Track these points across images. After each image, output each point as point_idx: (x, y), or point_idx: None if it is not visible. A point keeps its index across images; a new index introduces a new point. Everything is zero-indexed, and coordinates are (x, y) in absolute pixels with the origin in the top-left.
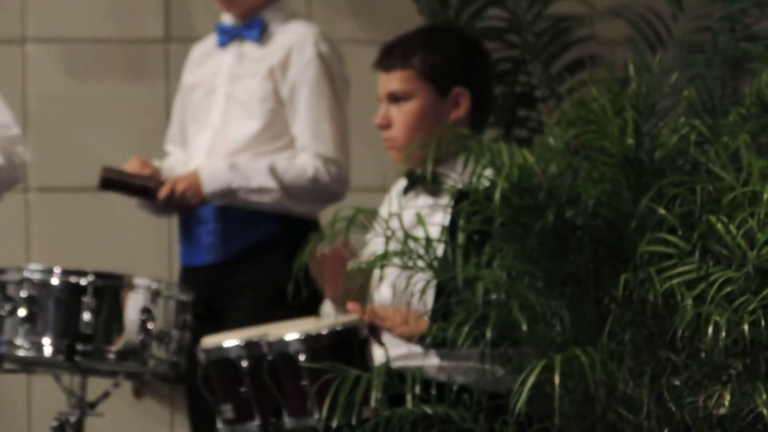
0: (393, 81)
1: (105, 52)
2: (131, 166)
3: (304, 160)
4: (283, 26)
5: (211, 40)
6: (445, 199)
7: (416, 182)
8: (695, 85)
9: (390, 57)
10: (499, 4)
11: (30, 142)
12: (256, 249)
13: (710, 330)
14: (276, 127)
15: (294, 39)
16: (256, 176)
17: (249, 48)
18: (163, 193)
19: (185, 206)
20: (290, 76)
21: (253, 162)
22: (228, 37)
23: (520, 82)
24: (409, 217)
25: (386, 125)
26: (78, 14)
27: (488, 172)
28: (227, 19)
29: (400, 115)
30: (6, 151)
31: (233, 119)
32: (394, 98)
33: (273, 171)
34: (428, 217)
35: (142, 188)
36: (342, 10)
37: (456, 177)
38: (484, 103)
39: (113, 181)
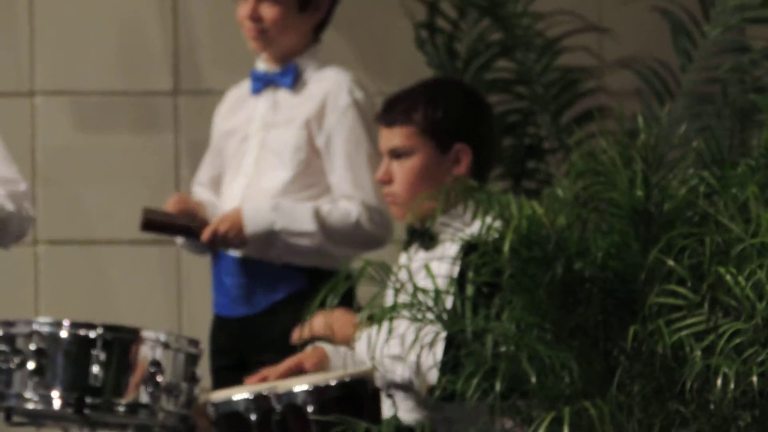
0: (395, 137)
1: (113, 104)
2: (172, 205)
3: (348, 205)
4: (317, 73)
5: (246, 85)
6: (442, 251)
7: (415, 238)
8: (704, 136)
9: (392, 112)
10: (507, 56)
11: (38, 194)
12: (285, 303)
13: (719, 382)
14: (309, 176)
15: (328, 87)
16: (299, 219)
17: (283, 95)
18: (206, 235)
19: (227, 246)
20: (326, 126)
21: (296, 204)
22: (262, 83)
23: (529, 133)
24: (417, 268)
25: (387, 180)
26: (86, 67)
27: (496, 224)
28: (261, 65)
29: (401, 171)
30: (15, 201)
31: (266, 168)
32: (396, 154)
33: (317, 214)
34: (436, 268)
35: (185, 229)
36: (351, 61)
37: (458, 225)
38: (486, 159)
39: (155, 223)
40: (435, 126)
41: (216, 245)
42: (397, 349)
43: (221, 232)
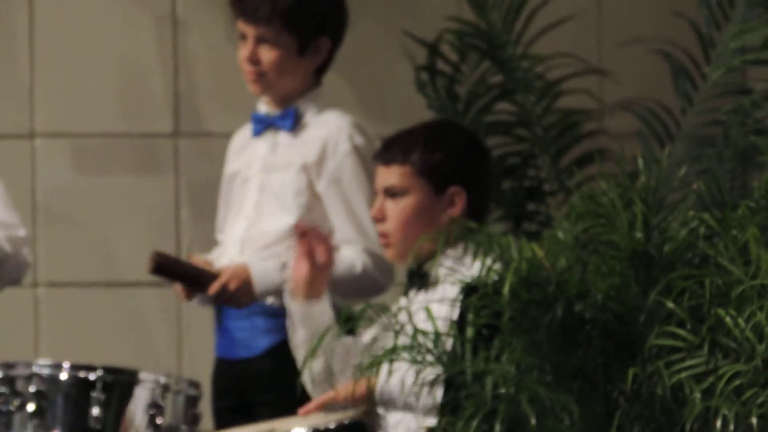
0: (391, 176)
1: (114, 146)
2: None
3: (352, 255)
4: (317, 116)
5: (249, 128)
6: (442, 293)
7: (414, 281)
8: (704, 178)
9: (390, 151)
10: (507, 99)
11: (39, 236)
12: (285, 346)
13: (719, 423)
14: (310, 220)
15: (328, 132)
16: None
17: (283, 138)
18: (213, 289)
19: (234, 304)
20: (326, 171)
21: None
22: (262, 126)
23: (529, 175)
24: (419, 310)
25: (380, 218)
26: (87, 109)
27: (496, 266)
28: (262, 107)
29: (395, 210)
30: (13, 245)
31: (267, 212)
32: (391, 193)
33: None
34: (436, 310)
35: (194, 277)
36: (351, 103)
37: (458, 267)
38: (482, 203)
39: (165, 267)
40: (431, 168)
41: (221, 300)
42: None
43: (231, 288)
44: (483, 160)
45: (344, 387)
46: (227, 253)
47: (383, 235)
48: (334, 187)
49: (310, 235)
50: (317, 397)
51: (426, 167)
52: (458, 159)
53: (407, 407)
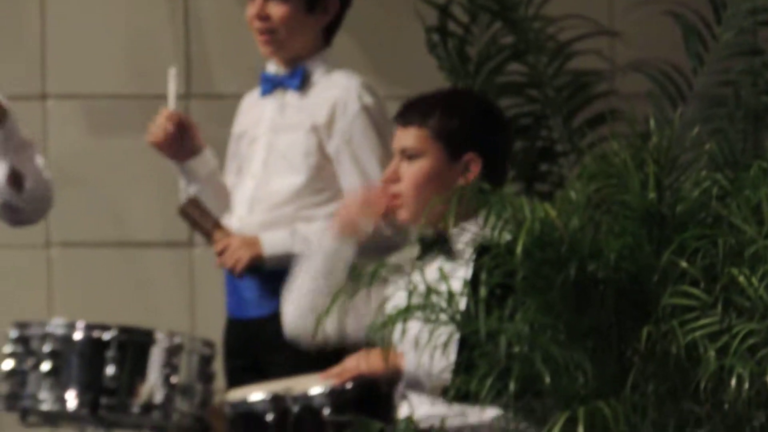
0: (408, 137)
1: (125, 107)
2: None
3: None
4: (325, 77)
5: (258, 89)
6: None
7: (429, 248)
8: (717, 138)
9: (409, 113)
10: (519, 60)
11: None
12: None
13: (733, 382)
14: (320, 180)
15: (338, 93)
16: (315, 241)
17: (291, 98)
18: (218, 247)
19: (235, 265)
20: (336, 132)
21: (311, 226)
22: (271, 85)
23: (541, 136)
24: (431, 271)
25: (394, 179)
26: (98, 70)
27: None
28: (271, 67)
29: (409, 172)
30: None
31: (275, 172)
32: (407, 155)
33: None
34: (451, 272)
35: (207, 231)
36: (362, 65)
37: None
38: (497, 172)
39: (189, 214)
40: (447, 133)
41: (224, 259)
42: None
43: (234, 246)
44: (501, 131)
45: (370, 361)
46: (236, 212)
47: (395, 195)
48: (345, 147)
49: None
50: (342, 366)
51: (443, 132)
52: (475, 127)
53: (433, 392)
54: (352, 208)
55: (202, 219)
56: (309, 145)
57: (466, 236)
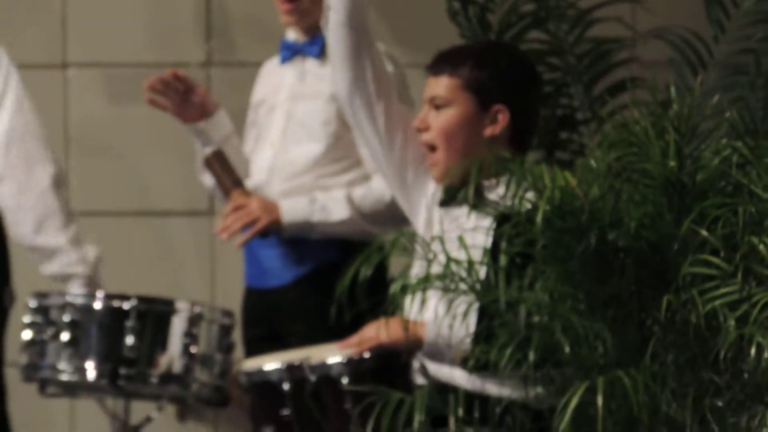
0: (438, 86)
1: (146, 76)
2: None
3: (380, 185)
4: None
5: (278, 57)
6: (487, 218)
7: (454, 196)
8: (737, 106)
9: (441, 63)
10: (540, 27)
11: (71, 166)
12: (317, 274)
13: (753, 351)
14: (339, 149)
15: None
16: (335, 209)
17: (311, 65)
18: (234, 204)
19: (251, 223)
20: None
21: (330, 194)
22: (290, 53)
23: (562, 104)
24: (450, 238)
25: (423, 128)
26: (119, 39)
27: (529, 195)
28: (291, 34)
29: (438, 121)
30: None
31: (294, 140)
32: (435, 104)
33: (351, 201)
34: (470, 239)
35: (225, 187)
36: (383, 33)
37: (495, 198)
38: (526, 124)
39: (213, 167)
40: (477, 83)
41: (238, 216)
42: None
43: (254, 210)
44: (532, 85)
45: (390, 330)
46: (254, 180)
47: (427, 144)
48: None
49: None
50: (361, 335)
51: (472, 82)
52: (506, 78)
53: (453, 362)
54: None
55: (224, 174)
56: (328, 113)
57: (494, 193)
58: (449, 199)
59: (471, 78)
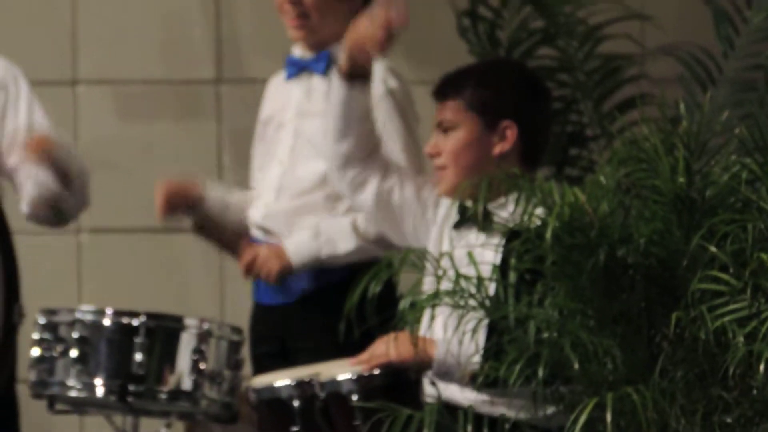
0: (444, 110)
1: (156, 93)
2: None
3: None
4: None
5: (284, 72)
6: (496, 237)
7: (468, 218)
8: (746, 123)
9: (444, 87)
10: (549, 44)
11: None
12: (326, 290)
13: (762, 367)
14: None
15: None
16: (341, 240)
17: (317, 82)
18: (243, 260)
19: (267, 277)
20: None
21: (335, 224)
22: (296, 69)
23: (571, 120)
24: (460, 255)
25: (434, 154)
26: (129, 56)
27: (539, 211)
28: (297, 51)
29: (447, 144)
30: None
31: (302, 157)
32: (443, 128)
33: (356, 229)
34: (479, 255)
35: (225, 248)
36: (393, 49)
37: (506, 215)
38: (536, 139)
39: (203, 235)
40: (481, 102)
41: (255, 271)
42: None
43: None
44: (539, 99)
45: (399, 347)
46: (263, 198)
47: (440, 168)
48: None
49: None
50: (370, 352)
51: (476, 102)
52: (510, 95)
53: (462, 380)
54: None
55: (217, 236)
56: None
57: (505, 210)
58: (463, 220)
59: (474, 98)
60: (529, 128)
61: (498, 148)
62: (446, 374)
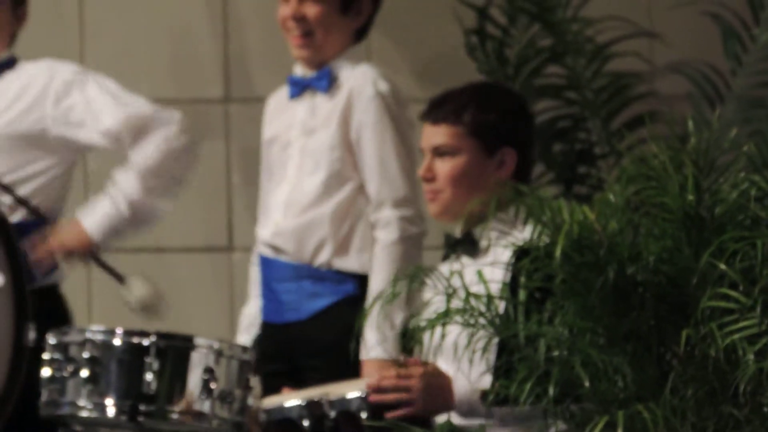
0: (440, 135)
1: None
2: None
3: (386, 236)
4: (349, 72)
5: (285, 91)
6: (494, 256)
7: (455, 246)
8: (755, 140)
9: (440, 110)
10: (557, 62)
11: (90, 203)
12: (335, 307)
13: None
14: (343, 174)
15: (354, 81)
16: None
17: (320, 100)
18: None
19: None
20: (355, 119)
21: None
22: (299, 88)
23: (580, 138)
24: (470, 274)
25: (430, 178)
26: (137, 74)
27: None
28: (298, 70)
29: (445, 169)
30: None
31: (306, 172)
32: (440, 152)
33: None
34: (488, 274)
35: None
36: (401, 68)
37: (508, 230)
38: (528, 165)
39: None
40: (483, 128)
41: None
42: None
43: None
44: (530, 122)
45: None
46: (272, 217)
47: (432, 192)
48: (362, 133)
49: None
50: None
51: (478, 128)
52: (510, 120)
53: (488, 416)
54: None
55: None
56: (334, 138)
57: (490, 234)
58: (453, 249)
59: (475, 123)
60: (525, 154)
61: (497, 175)
62: (472, 413)
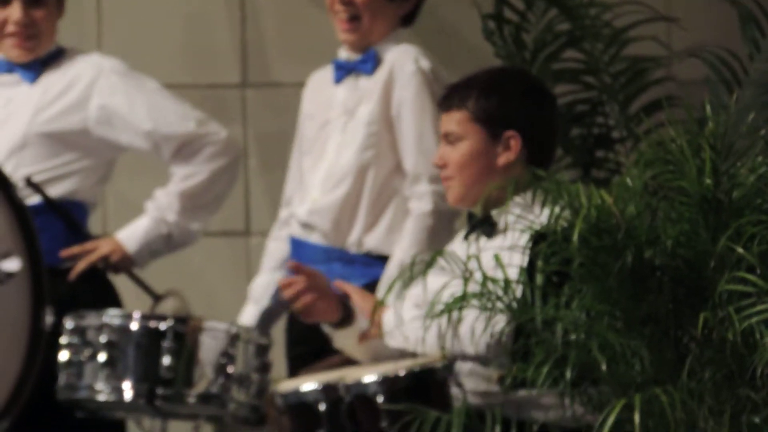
0: (449, 122)
1: (181, 97)
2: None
3: (421, 209)
4: (392, 52)
5: (328, 71)
6: (512, 239)
7: (476, 226)
8: None
9: (449, 98)
10: (575, 46)
11: (107, 189)
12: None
13: None
14: (379, 150)
15: (396, 57)
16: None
17: (364, 81)
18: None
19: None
20: (395, 95)
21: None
22: (344, 72)
23: (598, 123)
24: (486, 258)
25: (442, 165)
26: (154, 60)
27: (565, 213)
28: (343, 54)
29: (452, 156)
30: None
31: (345, 149)
32: (449, 139)
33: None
34: (506, 258)
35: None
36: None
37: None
38: (541, 146)
39: None
40: (485, 113)
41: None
42: (413, 312)
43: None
44: (544, 107)
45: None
46: (309, 194)
47: (447, 179)
48: (402, 108)
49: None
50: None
51: (480, 113)
52: (514, 104)
53: (477, 358)
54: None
55: None
56: (373, 113)
57: (508, 217)
58: (472, 229)
59: (477, 109)
60: (532, 136)
61: (503, 159)
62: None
